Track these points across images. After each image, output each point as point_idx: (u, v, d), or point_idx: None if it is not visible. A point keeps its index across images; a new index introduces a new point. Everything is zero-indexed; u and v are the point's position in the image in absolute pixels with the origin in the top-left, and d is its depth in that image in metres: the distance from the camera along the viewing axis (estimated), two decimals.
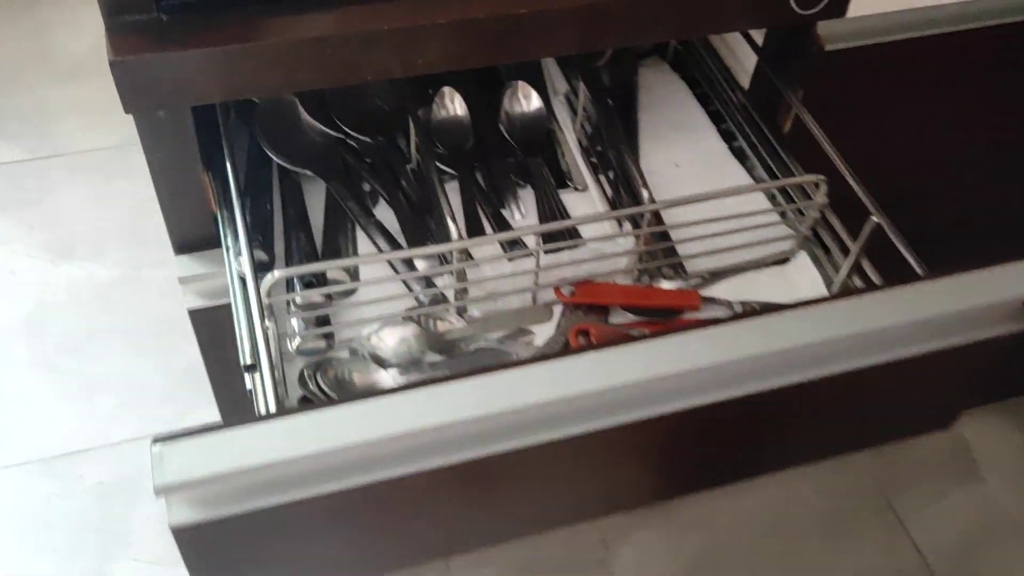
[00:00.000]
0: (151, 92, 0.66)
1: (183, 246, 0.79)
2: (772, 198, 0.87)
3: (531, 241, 0.79)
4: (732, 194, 0.79)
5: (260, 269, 0.73)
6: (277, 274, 0.66)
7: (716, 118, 0.97)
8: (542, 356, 0.66)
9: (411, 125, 0.84)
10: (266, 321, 0.66)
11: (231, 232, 0.75)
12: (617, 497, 0.73)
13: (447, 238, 0.75)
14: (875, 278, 0.77)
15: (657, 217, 0.82)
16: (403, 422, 0.53)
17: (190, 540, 0.55)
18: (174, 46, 0.64)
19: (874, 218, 0.74)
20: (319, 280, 0.75)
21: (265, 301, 0.66)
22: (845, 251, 0.79)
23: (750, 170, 0.92)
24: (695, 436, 0.66)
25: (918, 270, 0.72)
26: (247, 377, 0.66)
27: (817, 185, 0.78)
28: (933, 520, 1.42)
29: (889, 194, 0.77)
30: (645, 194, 0.80)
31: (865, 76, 0.94)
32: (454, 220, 0.75)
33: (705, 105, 0.98)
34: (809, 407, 0.68)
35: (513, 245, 0.80)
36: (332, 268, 0.75)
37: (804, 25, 0.85)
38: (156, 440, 0.51)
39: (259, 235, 0.79)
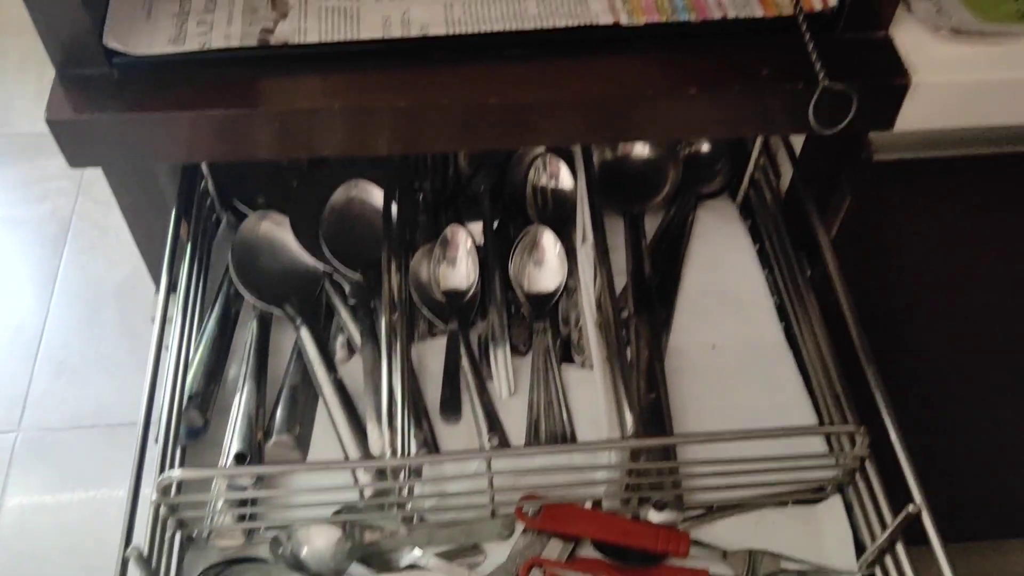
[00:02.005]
0: (95, 149, 0.61)
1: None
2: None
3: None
4: (752, 438, 0.65)
5: (189, 436, 0.66)
6: (175, 475, 0.59)
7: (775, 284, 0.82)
8: None
9: (389, 273, 0.72)
10: (160, 520, 0.59)
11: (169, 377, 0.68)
12: None
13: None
14: (907, 565, 0.62)
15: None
16: None
17: None
18: (120, 106, 0.59)
19: (911, 508, 0.60)
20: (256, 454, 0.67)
21: (154, 498, 0.59)
22: (880, 513, 0.65)
23: (802, 366, 0.76)
24: None
25: None
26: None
27: (855, 437, 0.64)
28: None
29: None
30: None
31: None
32: (392, 427, 0.65)
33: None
34: None
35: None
36: (238, 475, 0.66)
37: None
38: None
39: (202, 388, 0.71)
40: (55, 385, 1.55)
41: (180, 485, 0.63)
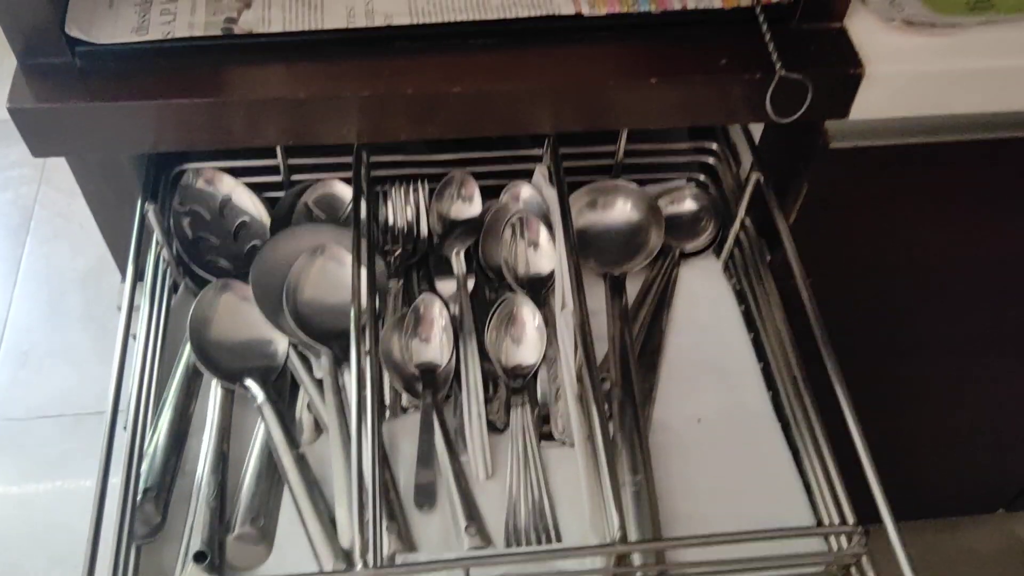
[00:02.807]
0: (59, 139, 0.61)
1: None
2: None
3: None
4: (746, 540, 0.61)
5: (146, 536, 0.64)
6: None
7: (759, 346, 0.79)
8: None
9: (359, 347, 0.65)
10: None
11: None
12: None
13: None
14: None
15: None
16: None
17: None
18: (83, 95, 0.59)
19: None
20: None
21: None
22: None
23: (791, 440, 0.73)
24: None
25: None
26: None
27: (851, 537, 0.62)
28: None
29: None
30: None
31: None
32: (363, 528, 0.58)
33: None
34: None
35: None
36: None
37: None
38: None
39: (159, 479, 0.66)
40: (19, 374, 1.54)
41: None
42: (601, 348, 0.74)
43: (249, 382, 0.71)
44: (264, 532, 0.66)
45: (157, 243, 0.74)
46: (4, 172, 1.81)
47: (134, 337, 0.68)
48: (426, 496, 0.68)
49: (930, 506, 1.21)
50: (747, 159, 0.81)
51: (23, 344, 1.57)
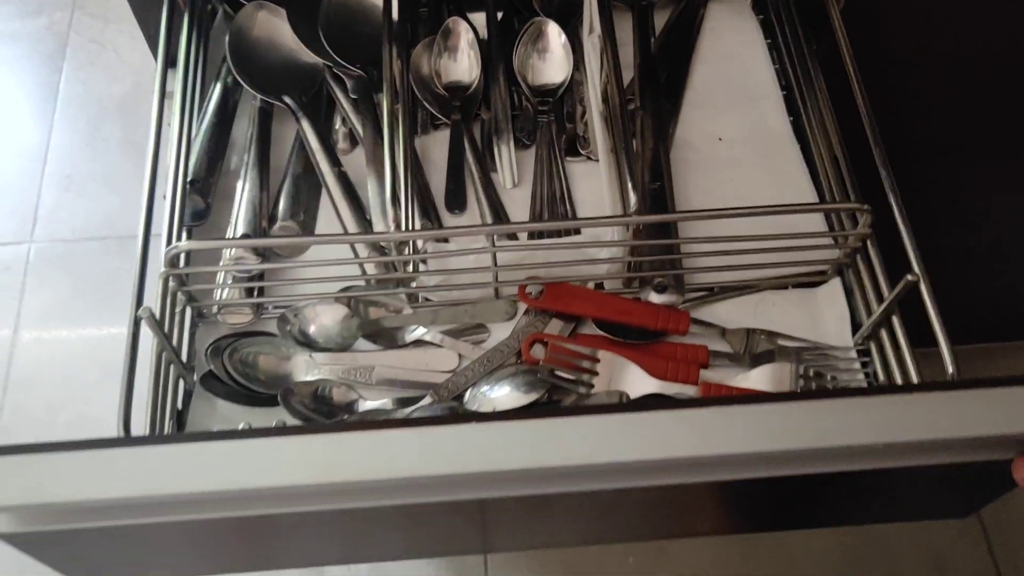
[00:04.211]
0: None
1: None
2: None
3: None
4: (756, 214, 0.64)
5: (192, 218, 0.67)
6: (182, 245, 0.60)
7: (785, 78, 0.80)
8: (439, 419, 0.57)
9: (390, 59, 0.71)
10: (169, 293, 0.60)
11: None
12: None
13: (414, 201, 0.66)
14: (902, 337, 0.63)
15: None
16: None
17: (19, 544, 0.51)
18: None
19: (910, 276, 0.60)
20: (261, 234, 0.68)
21: (162, 271, 0.60)
22: (879, 292, 0.65)
23: (810, 159, 0.75)
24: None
25: (945, 351, 0.59)
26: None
27: (859, 214, 0.64)
28: None
29: None
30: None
31: None
32: (396, 203, 0.65)
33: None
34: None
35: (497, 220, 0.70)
36: (240, 246, 0.67)
37: None
38: None
39: (203, 174, 0.70)
40: (64, 198, 1.56)
41: (188, 257, 0.63)
42: (627, 76, 0.76)
43: (287, 98, 0.74)
44: (304, 226, 0.71)
45: None
46: None
47: (168, 124, 0.67)
48: (457, 200, 0.72)
49: (982, 331, 1.16)
50: None
51: (65, 169, 1.58)
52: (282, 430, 0.46)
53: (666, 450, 0.45)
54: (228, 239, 0.67)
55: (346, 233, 0.69)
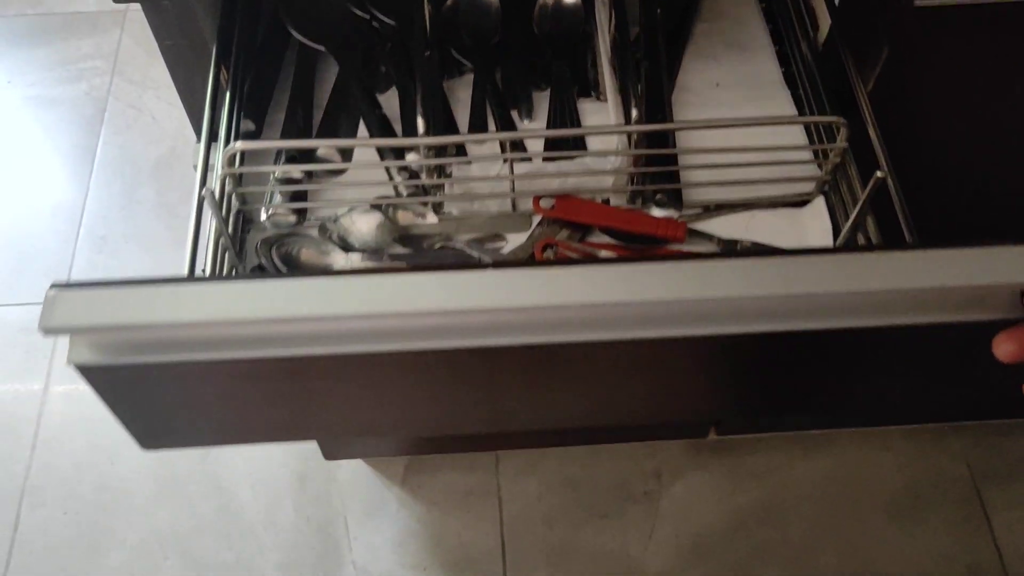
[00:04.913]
0: None
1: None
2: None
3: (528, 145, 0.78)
4: (742, 125, 0.73)
5: (245, 137, 0.75)
6: (239, 145, 0.68)
7: (779, 37, 0.90)
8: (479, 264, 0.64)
9: (426, 7, 0.81)
10: (227, 188, 0.68)
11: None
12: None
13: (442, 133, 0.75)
14: (876, 238, 0.71)
15: (662, 138, 0.78)
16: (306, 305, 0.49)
17: (93, 379, 0.57)
18: None
19: (879, 173, 0.68)
20: (305, 156, 0.76)
21: (220, 171, 0.68)
22: (856, 201, 0.73)
23: (798, 101, 0.84)
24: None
25: (907, 235, 0.66)
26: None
27: (838, 128, 0.72)
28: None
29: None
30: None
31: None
32: (425, 116, 0.73)
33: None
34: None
35: (514, 148, 0.78)
36: (290, 147, 0.75)
37: None
38: (52, 286, 0.53)
39: (254, 104, 0.79)
40: (97, 258, 1.63)
41: (243, 159, 0.71)
42: (633, 32, 0.85)
43: (329, 43, 0.82)
44: (342, 155, 0.77)
45: None
46: (78, 64, 1.90)
47: None
48: (479, 131, 0.79)
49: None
50: None
51: (100, 230, 1.66)
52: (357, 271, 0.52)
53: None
54: (280, 140, 0.76)
55: (387, 172, 0.77)
